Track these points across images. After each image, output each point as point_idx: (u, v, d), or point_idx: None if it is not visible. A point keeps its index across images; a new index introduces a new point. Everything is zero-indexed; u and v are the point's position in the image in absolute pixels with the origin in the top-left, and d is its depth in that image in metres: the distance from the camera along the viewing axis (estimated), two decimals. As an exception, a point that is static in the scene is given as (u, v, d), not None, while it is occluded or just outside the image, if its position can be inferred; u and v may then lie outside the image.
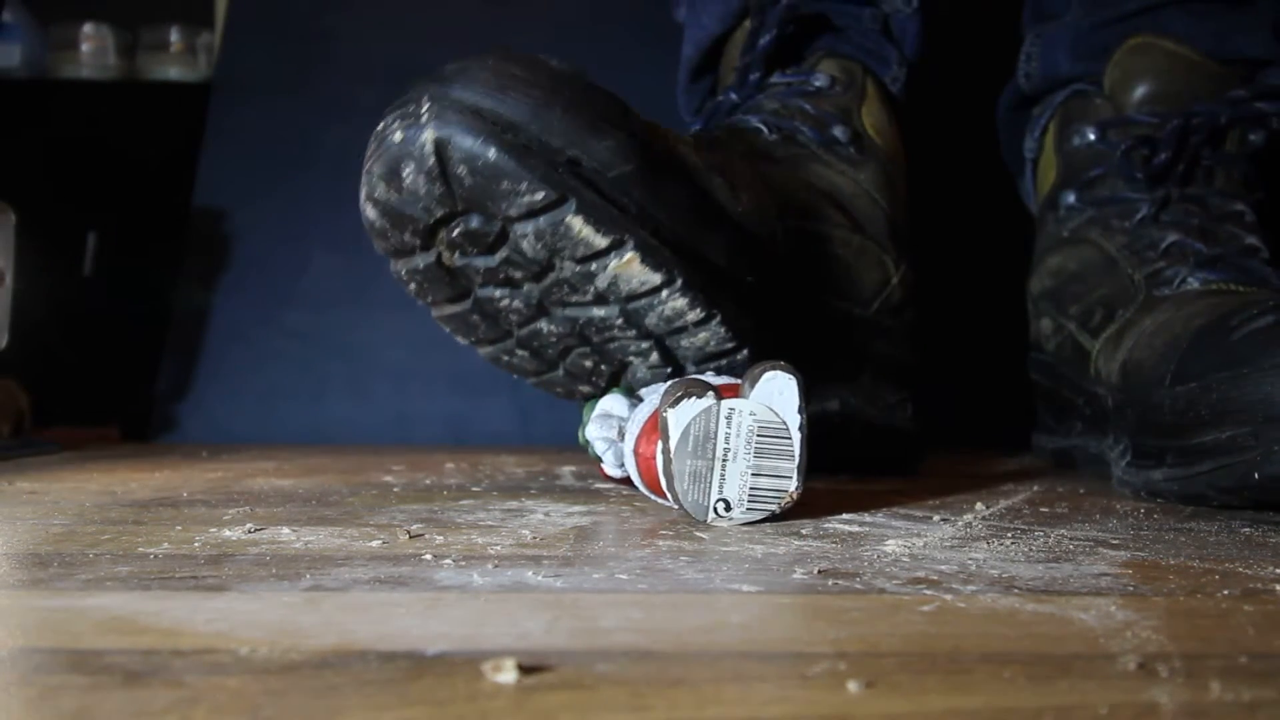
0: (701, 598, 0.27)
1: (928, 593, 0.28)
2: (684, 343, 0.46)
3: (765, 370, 0.37)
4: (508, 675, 0.20)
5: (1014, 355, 0.69)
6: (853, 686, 0.20)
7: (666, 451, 0.36)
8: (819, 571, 0.30)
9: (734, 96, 0.58)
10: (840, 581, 0.29)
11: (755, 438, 0.37)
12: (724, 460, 0.37)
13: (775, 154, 0.54)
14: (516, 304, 0.46)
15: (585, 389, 0.50)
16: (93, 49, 1.08)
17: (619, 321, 0.45)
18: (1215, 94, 0.58)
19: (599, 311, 0.45)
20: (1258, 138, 0.57)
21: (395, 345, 0.84)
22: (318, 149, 0.90)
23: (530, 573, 0.30)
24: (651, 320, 0.44)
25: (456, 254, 0.44)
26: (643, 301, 0.44)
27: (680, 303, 0.43)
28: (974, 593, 0.28)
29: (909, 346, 0.58)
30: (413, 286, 0.47)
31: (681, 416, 0.36)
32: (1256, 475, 0.40)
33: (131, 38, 1.11)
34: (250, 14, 0.95)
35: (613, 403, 0.44)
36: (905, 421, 0.57)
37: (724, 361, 0.47)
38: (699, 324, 0.44)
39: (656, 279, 0.43)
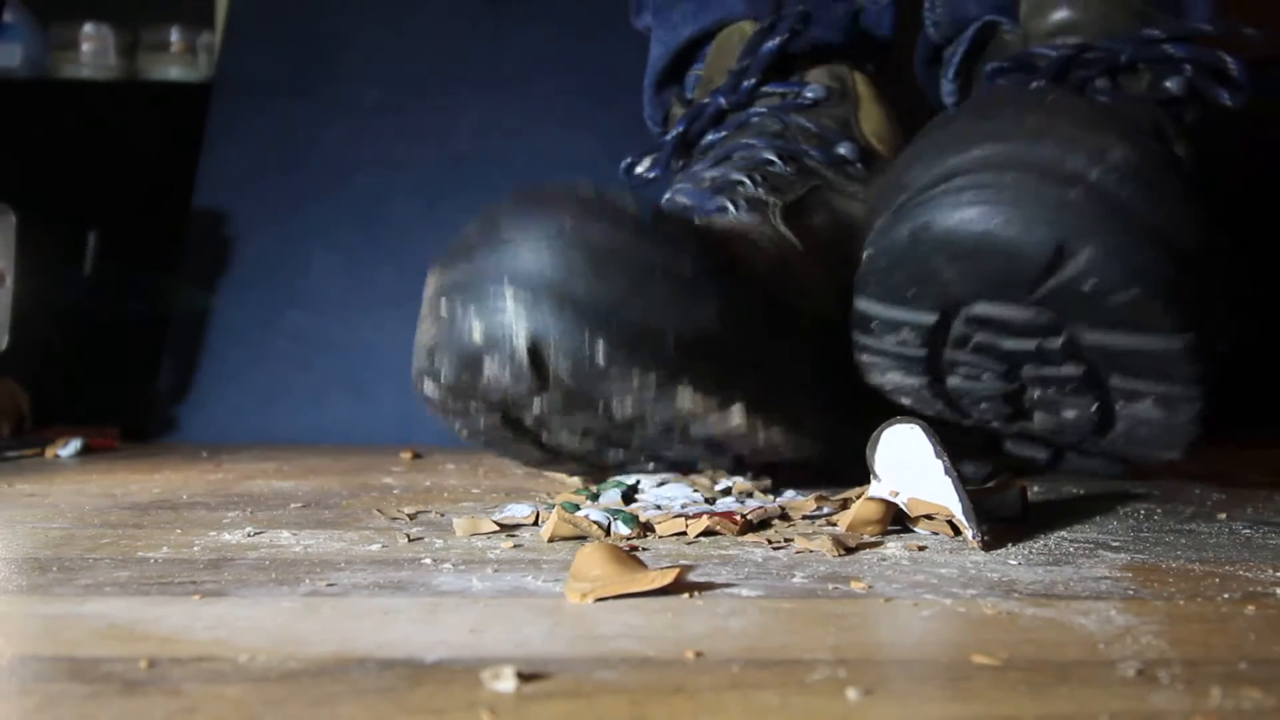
0: (701, 603, 0.27)
1: (928, 597, 0.27)
2: (767, 456, 0.44)
3: (883, 432, 0.36)
4: (506, 684, 0.20)
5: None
6: (852, 694, 0.20)
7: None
8: (819, 576, 0.30)
9: (722, 102, 0.55)
10: (840, 586, 0.29)
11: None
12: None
13: (797, 192, 0.52)
14: (587, 446, 0.43)
15: (634, 472, 0.48)
16: (93, 49, 1.08)
17: (700, 449, 0.43)
18: (1134, 31, 0.52)
19: (680, 446, 0.43)
20: (1174, 85, 0.50)
21: (395, 345, 0.83)
22: (318, 149, 0.90)
23: (530, 578, 0.30)
24: (738, 447, 0.43)
25: (526, 413, 0.41)
26: (736, 439, 0.42)
27: (776, 434, 0.42)
28: (974, 597, 0.27)
29: None
30: (463, 433, 0.43)
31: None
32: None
33: (132, 38, 1.11)
34: (250, 14, 0.95)
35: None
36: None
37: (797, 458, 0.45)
38: (787, 446, 0.43)
39: (759, 420, 0.41)
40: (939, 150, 0.38)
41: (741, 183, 0.50)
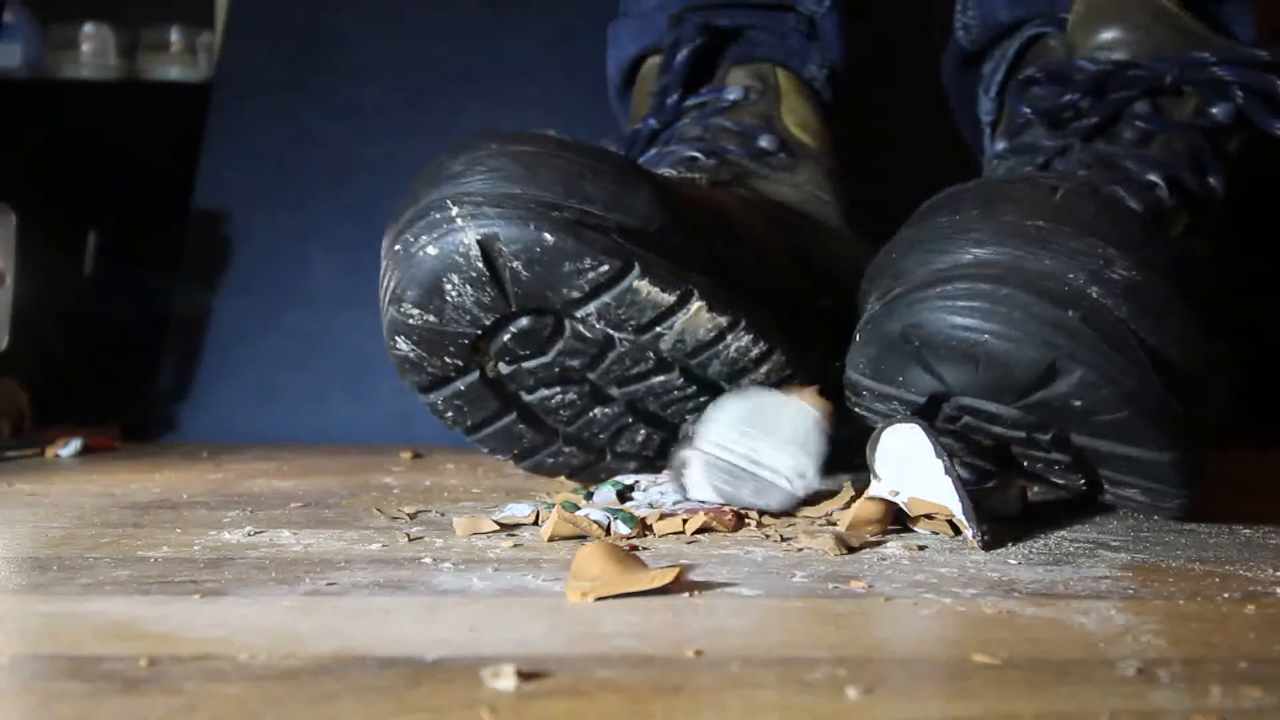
0: (701, 602, 0.27)
1: (928, 596, 0.27)
2: (745, 383, 0.45)
3: (883, 431, 0.37)
4: (506, 682, 0.20)
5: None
6: (852, 693, 0.20)
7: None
8: (819, 575, 0.30)
9: (653, 123, 0.57)
10: (840, 585, 0.29)
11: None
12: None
13: (722, 175, 0.54)
14: (570, 397, 0.44)
15: (634, 465, 0.49)
16: (93, 49, 1.08)
17: (679, 382, 0.44)
18: (1182, 53, 0.49)
19: (659, 378, 0.44)
20: (1221, 112, 0.47)
21: (395, 345, 0.84)
22: (318, 149, 0.90)
23: (530, 576, 0.30)
24: (715, 369, 0.43)
25: (503, 363, 0.42)
26: (708, 352, 0.43)
27: (745, 340, 0.42)
28: (974, 596, 0.27)
29: None
30: (449, 415, 0.45)
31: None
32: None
33: (131, 38, 1.11)
34: (250, 14, 0.95)
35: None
36: None
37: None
38: (761, 359, 0.43)
39: (724, 321, 0.42)
40: (940, 242, 0.38)
41: (670, 170, 0.52)
